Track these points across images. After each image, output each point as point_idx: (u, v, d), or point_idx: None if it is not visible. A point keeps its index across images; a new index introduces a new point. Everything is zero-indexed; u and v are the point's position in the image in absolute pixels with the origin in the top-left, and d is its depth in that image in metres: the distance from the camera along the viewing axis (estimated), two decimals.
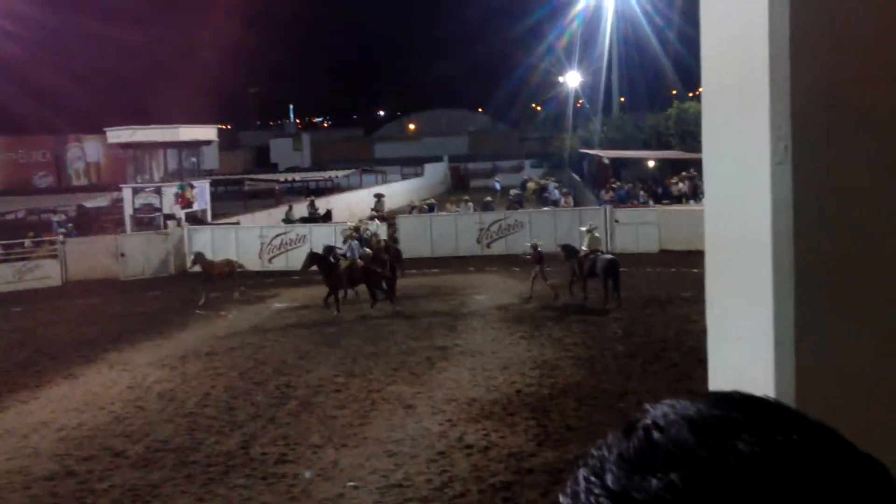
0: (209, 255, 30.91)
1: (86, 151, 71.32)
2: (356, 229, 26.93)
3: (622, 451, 0.75)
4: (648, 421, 0.77)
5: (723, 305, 1.78)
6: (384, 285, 24.08)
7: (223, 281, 26.85)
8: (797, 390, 1.54)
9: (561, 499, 0.76)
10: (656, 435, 0.74)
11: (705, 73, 1.82)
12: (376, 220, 33.28)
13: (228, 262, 28.01)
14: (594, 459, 0.76)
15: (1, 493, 12.00)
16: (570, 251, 24.37)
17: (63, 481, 12.31)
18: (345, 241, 25.48)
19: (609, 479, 0.73)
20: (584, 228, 25.32)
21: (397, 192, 56.46)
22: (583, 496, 0.74)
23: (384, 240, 27.65)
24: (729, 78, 1.72)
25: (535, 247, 25.03)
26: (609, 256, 23.30)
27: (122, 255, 32.58)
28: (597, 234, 23.81)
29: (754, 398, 0.80)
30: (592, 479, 0.74)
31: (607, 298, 22.65)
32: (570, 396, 15.14)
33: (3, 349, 21.21)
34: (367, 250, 25.08)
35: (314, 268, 24.29)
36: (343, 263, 24.05)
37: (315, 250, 25.59)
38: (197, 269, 28.32)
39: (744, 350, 1.68)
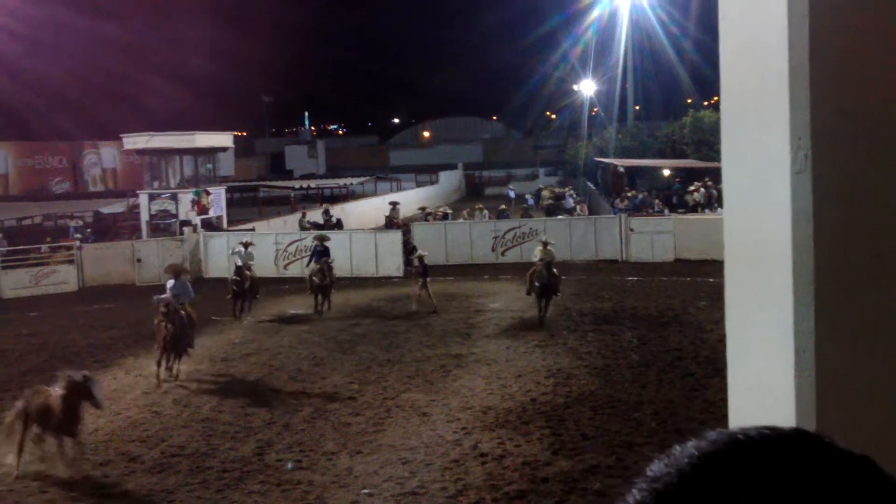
0: (225, 262, 31.13)
1: (102, 157, 71.72)
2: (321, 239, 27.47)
3: (663, 459, 0.87)
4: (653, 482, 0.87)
5: (742, 314, 1.78)
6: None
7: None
8: (818, 399, 1.54)
9: None
10: (675, 449, 0.88)
11: (724, 82, 1.83)
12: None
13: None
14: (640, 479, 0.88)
15: (18, 497, 12.05)
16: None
17: (79, 486, 12.36)
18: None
19: (648, 474, 0.87)
20: (541, 240, 24.63)
21: (412, 199, 56.49)
22: (633, 490, 0.86)
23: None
24: (748, 87, 1.73)
25: (421, 258, 25.24)
26: (543, 282, 22.12)
27: (139, 260, 32.74)
28: (550, 248, 23.17)
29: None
30: (638, 481, 0.87)
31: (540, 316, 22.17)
32: (585, 405, 15.11)
33: (19, 354, 21.32)
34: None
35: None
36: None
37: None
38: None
39: (763, 359, 1.68)
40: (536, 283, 22.06)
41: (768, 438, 0.84)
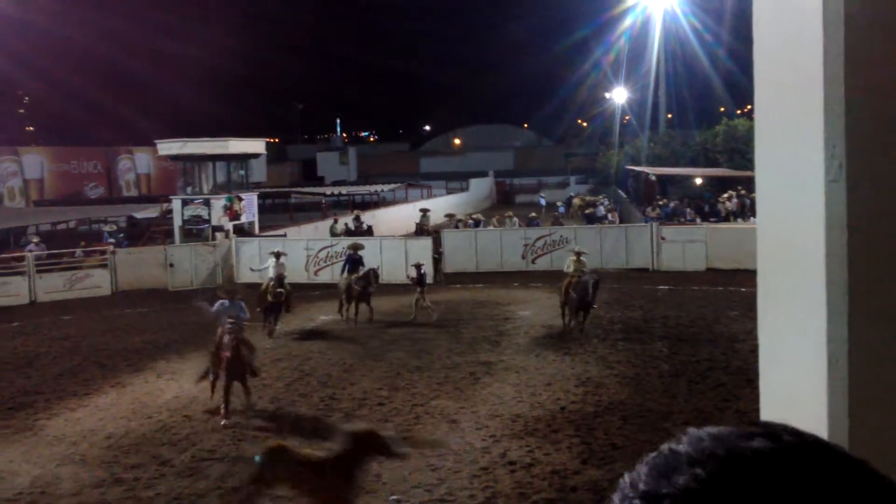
0: (256, 265, 31.28)
1: (136, 163, 72.52)
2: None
3: (650, 465, 0.85)
4: (673, 441, 0.87)
5: (775, 324, 1.77)
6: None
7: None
8: (850, 409, 1.53)
9: None
10: (680, 447, 0.84)
11: (758, 90, 1.82)
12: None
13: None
14: (629, 477, 0.86)
15: (50, 499, 12.16)
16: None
17: (111, 488, 12.46)
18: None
19: (640, 486, 0.83)
20: (573, 250, 24.08)
21: (442, 206, 56.54)
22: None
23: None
24: (782, 95, 1.72)
25: (418, 267, 25.11)
26: (582, 295, 21.49)
27: (171, 265, 32.99)
28: (584, 259, 22.74)
29: (775, 422, 0.89)
30: (627, 490, 0.84)
31: (570, 325, 22.01)
32: (615, 414, 15.03)
33: (52, 357, 21.54)
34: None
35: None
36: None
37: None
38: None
39: (796, 369, 1.68)
40: (573, 295, 21.56)
41: (776, 455, 0.81)
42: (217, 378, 16.09)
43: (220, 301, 17.41)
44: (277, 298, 23.45)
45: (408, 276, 26.10)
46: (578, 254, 22.90)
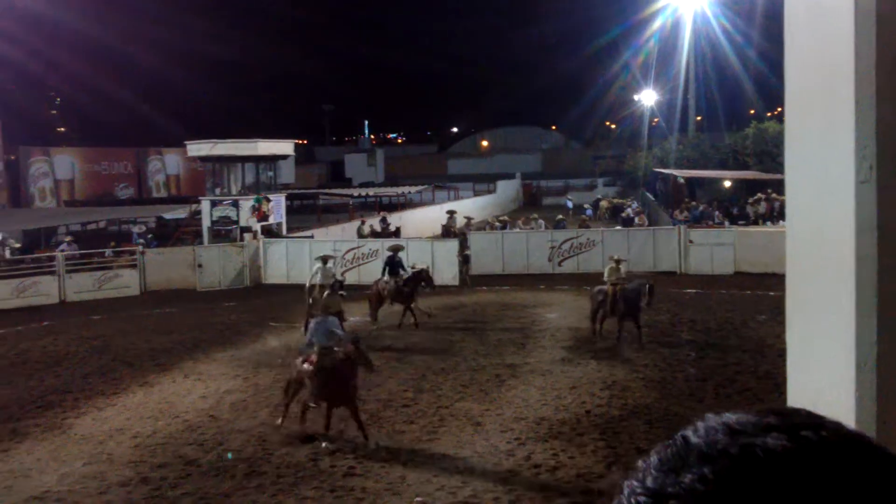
0: (284, 268, 31.47)
1: (166, 164, 73.07)
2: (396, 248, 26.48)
3: (661, 456, 0.82)
4: (689, 428, 0.83)
5: (803, 327, 1.76)
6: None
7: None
8: (878, 414, 1.51)
9: None
10: (693, 438, 0.81)
11: (788, 91, 1.80)
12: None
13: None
14: (638, 470, 0.83)
15: (77, 497, 12.26)
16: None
17: (137, 488, 12.55)
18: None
19: (648, 481, 0.80)
20: (612, 257, 23.02)
21: (469, 208, 56.54)
22: (625, 500, 0.80)
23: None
24: (813, 96, 1.70)
25: (414, 268, 24.96)
26: (626, 304, 20.85)
27: (200, 266, 33.20)
28: (622, 266, 22.14)
29: (796, 409, 0.85)
30: (635, 484, 0.80)
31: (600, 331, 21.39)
32: (641, 418, 14.96)
33: (81, 356, 21.74)
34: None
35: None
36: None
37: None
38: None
39: (824, 372, 1.66)
40: (621, 304, 20.79)
41: (791, 455, 0.77)
42: (289, 404, 14.96)
43: (318, 321, 15.64)
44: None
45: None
46: (617, 261, 22.26)
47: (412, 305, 23.89)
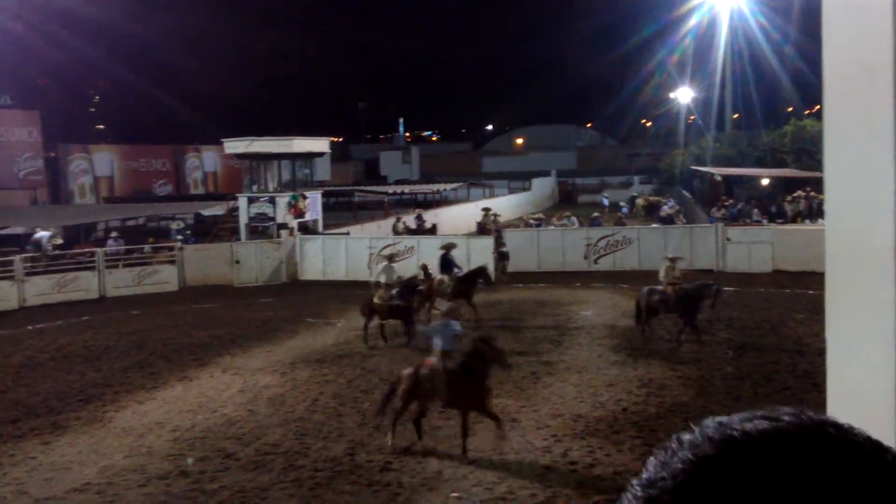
0: (320, 265, 31.64)
1: (203, 161, 73.64)
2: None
3: (660, 452, 0.87)
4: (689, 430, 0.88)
5: (843, 324, 1.77)
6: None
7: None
8: None
9: None
10: (687, 434, 0.86)
11: (827, 88, 1.81)
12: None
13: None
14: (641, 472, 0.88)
15: (117, 490, 12.42)
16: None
17: (176, 480, 12.70)
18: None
19: (643, 475, 0.85)
20: (667, 256, 22.67)
21: (504, 205, 56.49)
22: (625, 497, 0.86)
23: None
24: (851, 92, 1.71)
25: (424, 268, 24.58)
26: (684, 306, 20.42)
27: (237, 262, 33.49)
28: (677, 265, 21.65)
29: (801, 409, 0.88)
30: (633, 481, 0.86)
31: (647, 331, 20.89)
32: (678, 416, 14.88)
33: (121, 351, 22.01)
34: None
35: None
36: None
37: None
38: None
39: (864, 371, 1.67)
40: (679, 304, 20.34)
41: (768, 436, 0.81)
42: (398, 418, 13.77)
43: (441, 324, 14.94)
44: (408, 303, 21.64)
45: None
46: (673, 259, 21.86)
47: (472, 301, 23.41)
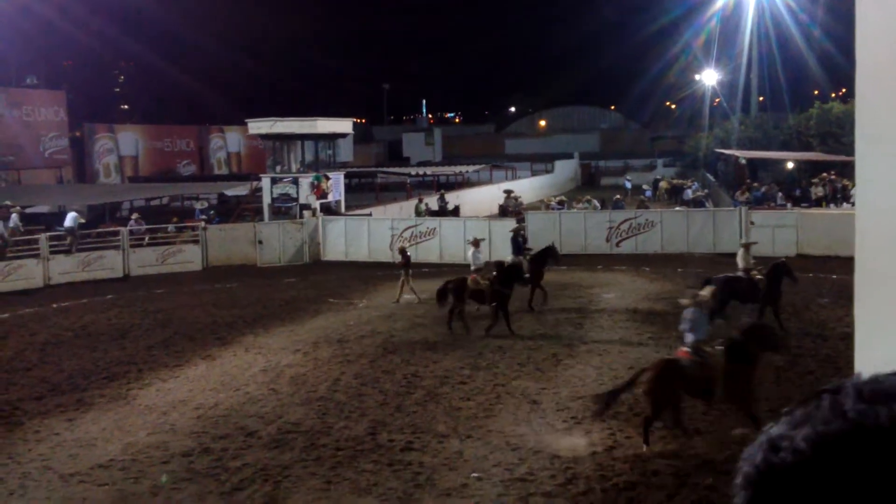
0: (342, 246, 31.70)
1: (227, 142, 73.90)
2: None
3: (810, 412, 0.84)
4: (833, 386, 0.86)
5: (872, 308, 1.76)
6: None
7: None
8: None
9: (776, 430, 0.84)
10: (881, 379, 0.83)
11: (860, 68, 1.80)
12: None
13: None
14: (784, 424, 0.85)
15: (141, 466, 12.53)
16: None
17: (199, 458, 12.80)
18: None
19: (848, 405, 0.82)
20: (742, 242, 22.23)
21: (527, 188, 56.39)
22: (781, 447, 0.82)
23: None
24: (884, 73, 1.70)
25: (402, 250, 25.02)
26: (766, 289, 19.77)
27: (260, 242, 33.65)
28: (750, 251, 21.13)
29: None
30: (827, 408, 0.83)
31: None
32: (699, 400, 14.83)
33: (145, 329, 22.18)
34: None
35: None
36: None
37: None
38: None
39: (892, 351, 1.66)
40: (765, 290, 19.83)
41: None
42: (653, 418, 12.69)
43: (689, 311, 13.59)
44: (510, 290, 20.87)
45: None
46: (747, 245, 21.41)
47: (541, 283, 23.15)
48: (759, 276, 20.06)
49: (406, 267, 24.94)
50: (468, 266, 22.60)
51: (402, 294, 24.70)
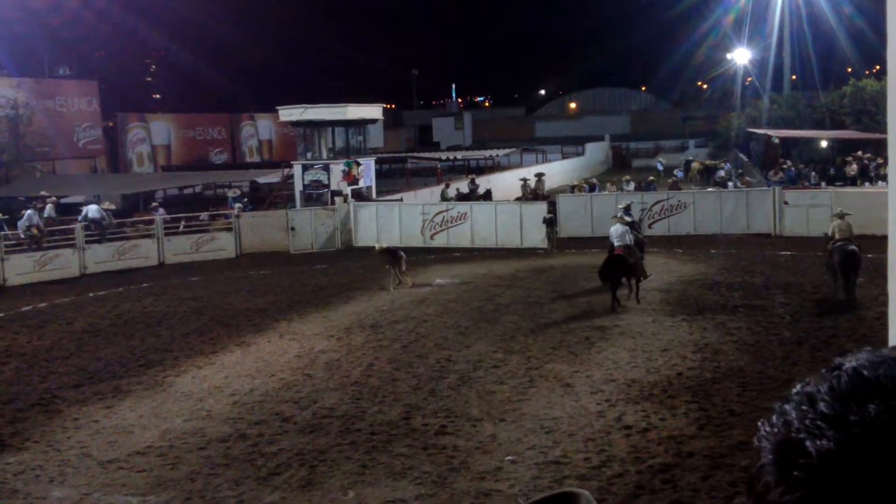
0: (374, 231, 31.81)
1: (259, 129, 74.22)
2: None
3: (832, 385, 0.82)
4: (854, 363, 0.84)
5: None
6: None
7: None
8: None
9: (764, 428, 0.82)
10: (866, 372, 0.82)
11: (891, 44, 1.79)
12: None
13: None
14: (800, 395, 0.84)
15: (178, 452, 12.68)
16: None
17: (236, 443, 12.93)
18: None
19: (822, 406, 0.80)
20: (835, 213, 21.88)
21: (557, 171, 56.17)
22: (796, 422, 0.81)
23: None
24: None
25: (385, 250, 25.23)
26: (848, 248, 19.82)
27: (292, 229, 33.83)
28: (847, 220, 20.61)
29: None
30: (804, 407, 0.81)
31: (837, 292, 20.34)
32: (734, 381, 14.78)
33: (181, 316, 22.39)
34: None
35: None
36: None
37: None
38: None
39: None
40: (837, 259, 19.96)
41: None
42: None
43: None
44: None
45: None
46: (841, 215, 20.92)
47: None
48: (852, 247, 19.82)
49: (394, 261, 24.75)
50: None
51: (394, 281, 24.51)
